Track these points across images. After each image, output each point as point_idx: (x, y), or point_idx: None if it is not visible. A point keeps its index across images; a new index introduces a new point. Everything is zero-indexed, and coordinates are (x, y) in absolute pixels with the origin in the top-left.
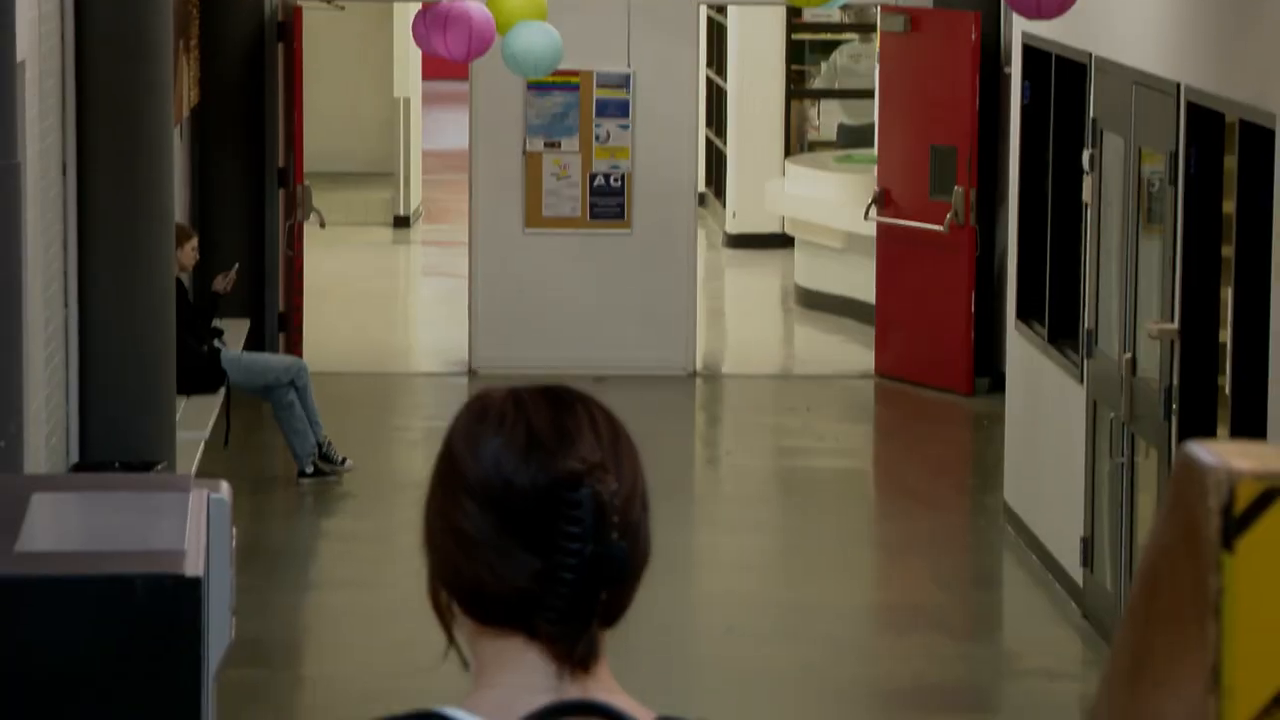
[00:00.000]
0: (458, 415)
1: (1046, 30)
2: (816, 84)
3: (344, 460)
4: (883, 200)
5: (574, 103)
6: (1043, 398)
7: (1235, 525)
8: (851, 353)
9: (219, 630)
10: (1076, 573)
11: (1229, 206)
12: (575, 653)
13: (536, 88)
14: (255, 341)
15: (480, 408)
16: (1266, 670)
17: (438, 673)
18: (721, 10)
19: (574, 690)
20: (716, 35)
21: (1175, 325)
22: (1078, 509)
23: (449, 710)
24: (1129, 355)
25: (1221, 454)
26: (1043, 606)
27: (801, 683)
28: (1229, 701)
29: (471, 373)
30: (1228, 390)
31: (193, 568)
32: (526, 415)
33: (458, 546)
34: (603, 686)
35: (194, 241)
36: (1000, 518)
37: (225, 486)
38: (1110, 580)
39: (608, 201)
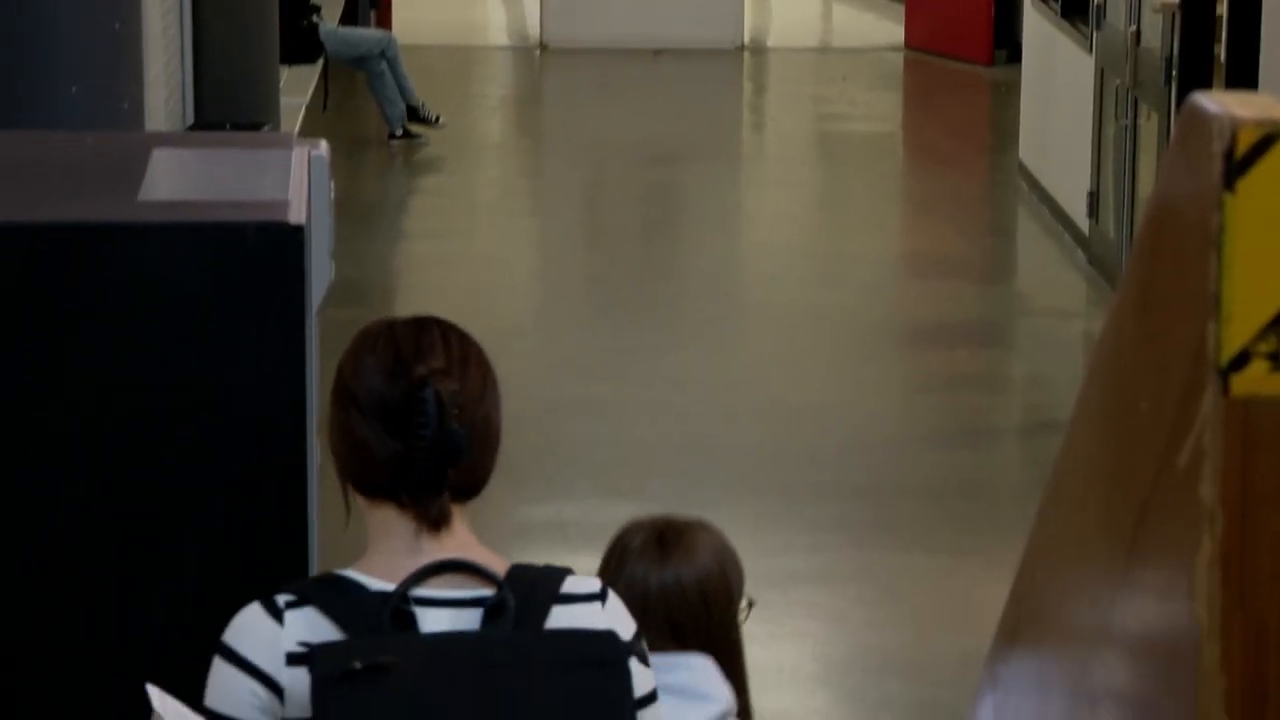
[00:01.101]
0: (348, 345)
1: None
2: None
3: (438, 118)
4: None
5: None
6: (1055, 67)
7: (1236, 168)
8: (883, 27)
9: (320, 272)
10: (1083, 223)
11: None
12: (430, 516)
13: None
14: (349, 17)
15: (361, 335)
16: (1261, 299)
17: (509, 309)
18: None
19: (431, 546)
20: None
21: None
22: (1085, 166)
23: (349, 573)
24: (1134, 27)
25: (1224, 103)
26: (1052, 254)
27: (837, 322)
28: (1227, 327)
29: (542, 46)
30: (1223, 58)
31: (297, 216)
32: (395, 338)
33: (347, 443)
34: (459, 543)
35: None
36: (1015, 175)
37: (324, 145)
38: (1113, 230)
39: None
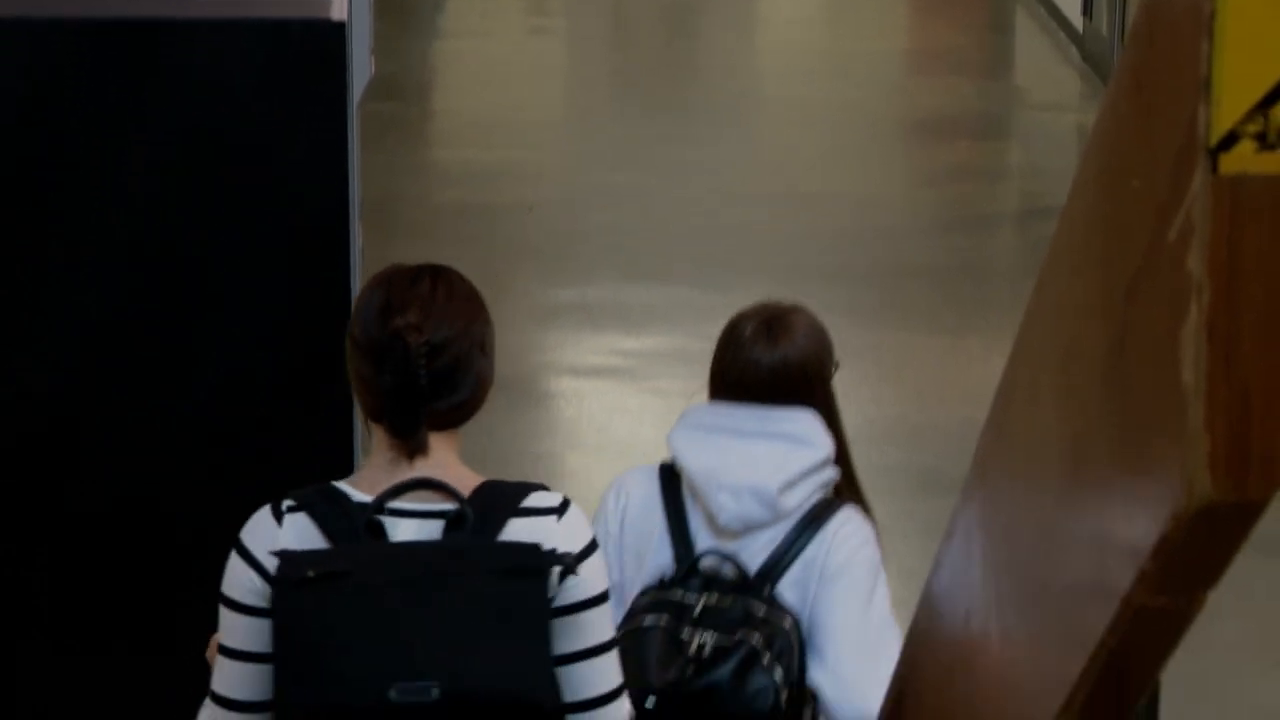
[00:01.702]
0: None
1: None
2: None
3: None
4: None
5: None
6: None
7: None
8: None
9: (360, 68)
10: (1078, 21)
11: None
12: (407, 446)
13: None
14: None
15: (372, 278)
16: (1249, 83)
17: (539, 104)
18: None
19: (407, 467)
20: None
21: None
22: None
23: (341, 485)
24: None
25: None
26: (1048, 50)
27: (845, 113)
28: (1216, 109)
29: None
30: None
31: (339, 13)
32: (388, 289)
33: (352, 375)
34: (433, 465)
35: None
36: None
37: None
38: (1106, 27)
39: None
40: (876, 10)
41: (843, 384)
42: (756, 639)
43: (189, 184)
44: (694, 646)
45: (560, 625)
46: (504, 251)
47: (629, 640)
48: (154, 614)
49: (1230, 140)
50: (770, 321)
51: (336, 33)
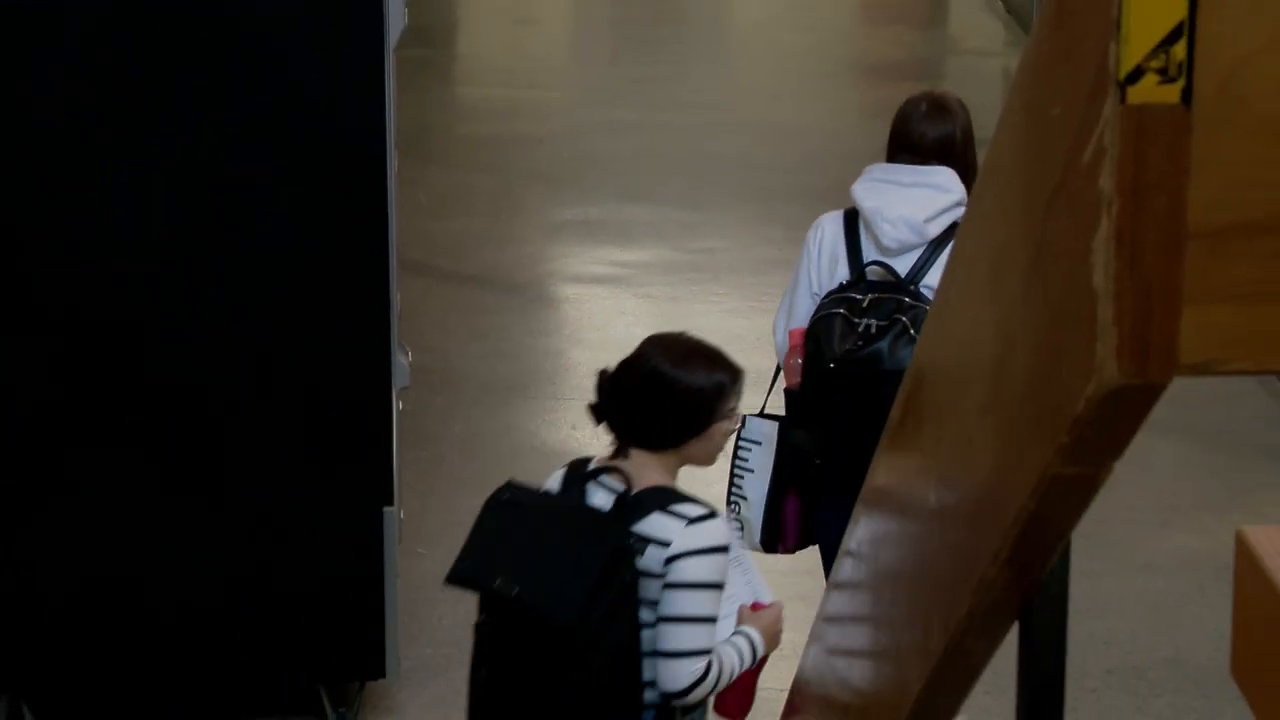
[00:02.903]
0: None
1: None
2: None
3: None
4: None
5: None
6: None
7: None
8: None
9: (395, 18)
10: None
11: None
12: (616, 446)
13: None
14: None
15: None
16: (1152, 23)
17: (548, 48)
18: None
19: (617, 461)
20: None
21: None
22: None
23: (592, 456)
24: None
25: None
26: (978, 4)
27: (803, 58)
28: (1125, 46)
29: None
30: None
31: None
32: (643, 347)
33: None
34: (635, 464)
35: None
36: None
37: None
38: None
39: None
40: None
41: None
42: (906, 318)
43: (251, 118)
44: (862, 326)
45: (665, 594)
46: (518, 176)
47: (819, 326)
48: (203, 467)
49: (1136, 74)
50: (937, 102)
51: None
